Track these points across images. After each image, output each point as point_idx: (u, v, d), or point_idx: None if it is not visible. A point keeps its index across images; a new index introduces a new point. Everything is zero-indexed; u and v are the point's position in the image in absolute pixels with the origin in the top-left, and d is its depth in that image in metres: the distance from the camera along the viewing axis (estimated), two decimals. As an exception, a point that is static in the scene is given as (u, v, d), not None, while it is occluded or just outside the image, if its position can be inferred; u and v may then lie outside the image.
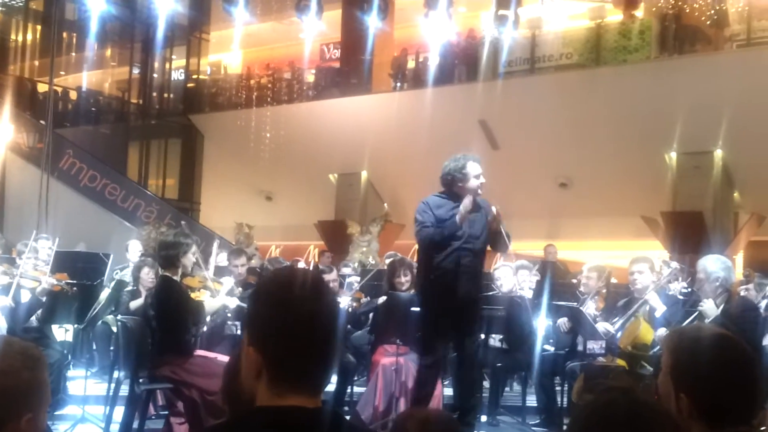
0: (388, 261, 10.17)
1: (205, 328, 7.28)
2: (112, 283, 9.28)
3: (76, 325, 8.14)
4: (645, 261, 7.12)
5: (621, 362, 6.67)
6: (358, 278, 10.49)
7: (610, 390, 1.70)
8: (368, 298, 9.11)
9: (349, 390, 8.23)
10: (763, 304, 8.74)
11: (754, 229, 16.15)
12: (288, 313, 1.84)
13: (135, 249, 11.08)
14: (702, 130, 14.79)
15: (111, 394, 7.13)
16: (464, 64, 18.29)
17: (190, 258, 6.40)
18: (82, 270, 9.01)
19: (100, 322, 9.00)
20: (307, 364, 1.84)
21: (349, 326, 8.58)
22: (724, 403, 2.24)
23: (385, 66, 19.79)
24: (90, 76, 24.75)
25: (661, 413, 1.67)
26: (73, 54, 25.41)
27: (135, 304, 8.66)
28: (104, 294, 8.78)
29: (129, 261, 10.66)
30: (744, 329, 5.73)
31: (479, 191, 6.37)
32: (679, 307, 6.84)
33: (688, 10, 16.14)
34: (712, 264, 6.21)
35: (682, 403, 2.23)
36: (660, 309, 6.65)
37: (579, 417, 1.72)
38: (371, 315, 8.71)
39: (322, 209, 19.75)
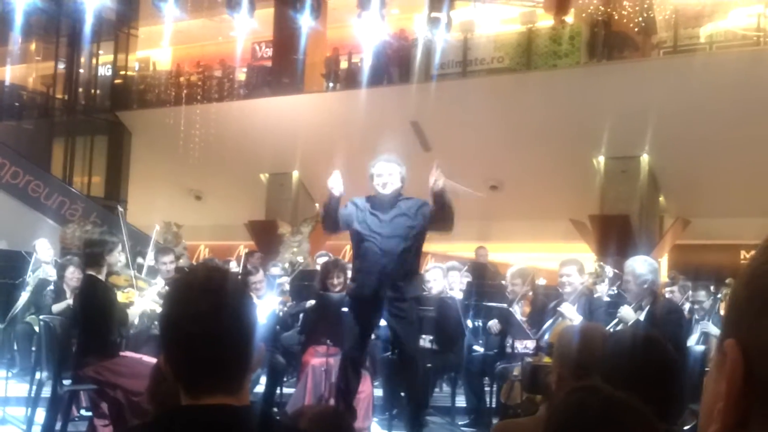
0: (320, 261, 10.09)
1: (132, 330, 7.16)
2: (33, 283, 9.00)
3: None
4: (574, 263, 7.13)
5: (548, 360, 6.70)
6: (288, 278, 10.40)
7: (578, 390, 1.67)
8: (294, 302, 9.00)
9: (278, 391, 8.15)
10: (686, 307, 8.94)
11: (678, 233, 16.49)
12: (179, 314, 1.79)
13: (44, 248, 10.31)
14: (629, 135, 15.05)
15: (33, 395, 6.96)
16: (397, 65, 18.33)
17: (116, 256, 6.29)
18: (3, 268, 8.80)
19: (21, 322, 8.76)
20: (208, 366, 1.76)
21: (278, 327, 8.50)
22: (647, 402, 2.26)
23: (318, 66, 19.72)
24: (13, 70, 24.10)
25: (634, 410, 1.65)
26: (-4, 47, 24.77)
27: (57, 307, 8.36)
28: (24, 294, 8.53)
29: (40, 261, 10.08)
30: (668, 331, 5.79)
31: (383, 191, 6.25)
32: (602, 311, 6.88)
33: (617, 17, 16.44)
34: (640, 266, 6.15)
35: None
36: (576, 319, 6.66)
37: (552, 419, 1.68)
38: (301, 316, 8.64)
39: (253, 209, 19.56)
